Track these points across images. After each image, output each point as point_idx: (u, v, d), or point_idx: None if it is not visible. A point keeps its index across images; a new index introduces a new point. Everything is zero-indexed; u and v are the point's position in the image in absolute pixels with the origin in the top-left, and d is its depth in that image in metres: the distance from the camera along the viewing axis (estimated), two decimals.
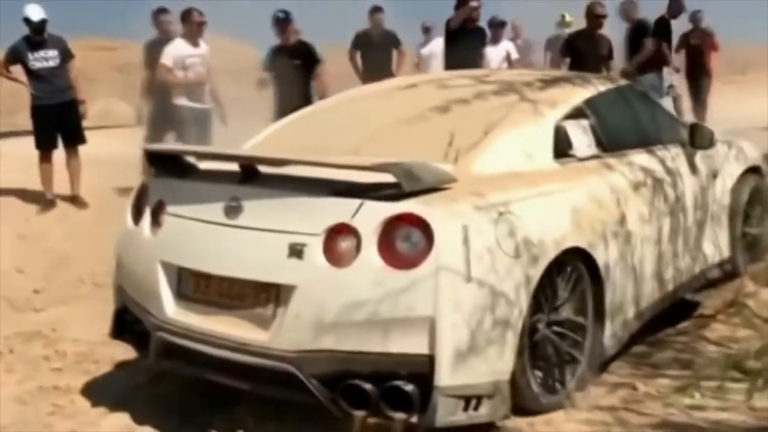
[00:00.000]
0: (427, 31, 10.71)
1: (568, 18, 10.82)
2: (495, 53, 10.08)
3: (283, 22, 8.47)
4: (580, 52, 8.82)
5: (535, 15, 11.73)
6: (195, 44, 8.01)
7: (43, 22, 7.77)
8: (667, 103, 8.94)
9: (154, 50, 8.30)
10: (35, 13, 7.75)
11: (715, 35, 11.15)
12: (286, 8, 8.56)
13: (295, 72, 8.28)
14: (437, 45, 9.70)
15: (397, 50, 9.80)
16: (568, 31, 10.62)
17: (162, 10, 8.60)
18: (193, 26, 7.98)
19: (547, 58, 10.85)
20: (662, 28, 9.98)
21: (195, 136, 7.90)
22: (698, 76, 10.94)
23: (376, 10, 9.77)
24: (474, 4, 8.39)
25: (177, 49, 7.96)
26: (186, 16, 7.99)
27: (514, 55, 10.21)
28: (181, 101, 7.97)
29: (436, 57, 9.80)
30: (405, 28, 10.21)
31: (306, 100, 7.57)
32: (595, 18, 8.95)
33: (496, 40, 10.16)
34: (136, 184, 4.10)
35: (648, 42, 9.50)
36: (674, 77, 10.35)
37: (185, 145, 6.83)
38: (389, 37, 9.79)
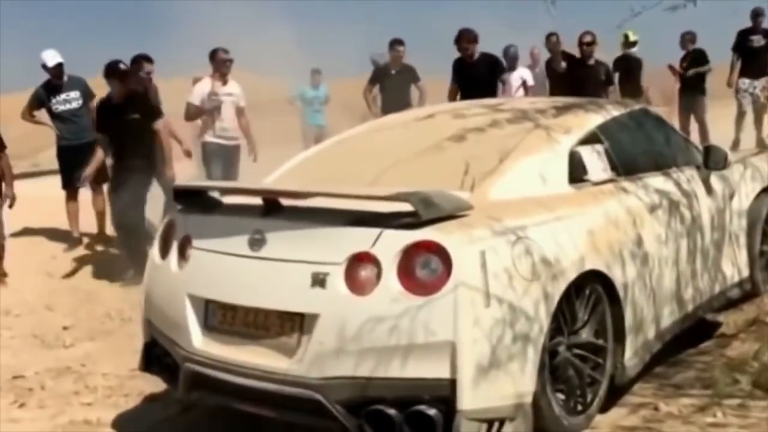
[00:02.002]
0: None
1: (632, 37, 10.64)
2: (513, 80, 10.06)
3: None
4: (578, 80, 9.09)
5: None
6: (223, 82, 8.16)
7: (59, 66, 7.98)
8: None
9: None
10: (51, 58, 7.96)
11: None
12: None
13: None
14: None
15: (416, 86, 9.58)
16: (634, 50, 10.69)
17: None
18: (219, 65, 8.15)
19: (616, 79, 10.66)
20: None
21: (221, 172, 8.05)
22: (692, 96, 10.98)
23: (395, 42, 9.49)
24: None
25: (204, 88, 8.13)
26: (213, 55, 8.17)
27: (530, 82, 10.24)
28: (208, 138, 8.13)
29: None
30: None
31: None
32: (581, 46, 9.43)
33: (511, 68, 10.21)
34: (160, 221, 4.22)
35: None
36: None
37: (210, 181, 6.96)
38: (408, 72, 9.55)
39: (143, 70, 7.71)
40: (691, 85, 11.00)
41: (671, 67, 11.54)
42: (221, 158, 8.13)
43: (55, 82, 7.97)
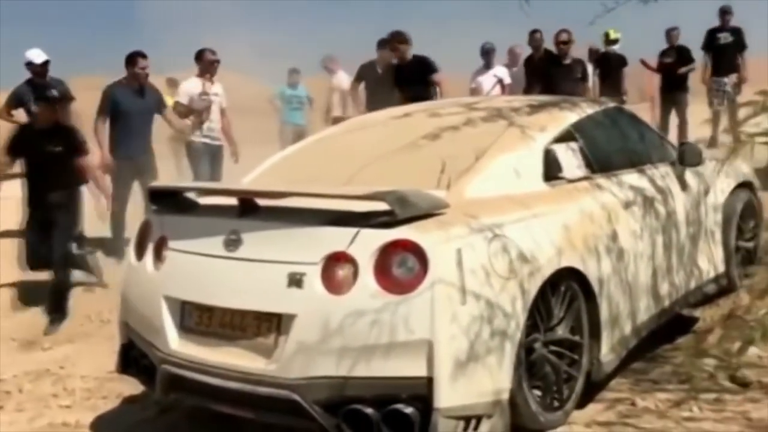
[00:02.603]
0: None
1: (613, 35, 10.68)
2: (486, 80, 10.15)
3: None
4: (553, 78, 9.17)
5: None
6: (211, 83, 8.15)
7: (46, 63, 7.93)
8: None
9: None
10: (37, 56, 7.91)
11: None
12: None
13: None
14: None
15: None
16: (615, 47, 10.75)
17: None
18: (206, 65, 8.13)
19: (596, 77, 10.62)
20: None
21: (208, 172, 8.06)
22: (675, 93, 11.07)
23: (383, 42, 9.11)
24: None
25: (192, 87, 8.11)
26: (199, 55, 8.16)
27: (507, 80, 10.21)
28: (194, 137, 8.11)
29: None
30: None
31: None
32: (558, 45, 9.49)
33: (487, 66, 10.23)
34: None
35: None
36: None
37: (185, 182, 6.93)
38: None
39: (138, 66, 7.66)
40: (676, 83, 11.08)
41: (644, 62, 11.61)
42: (208, 158, 8.14)
43: (37, 80, 7.90)
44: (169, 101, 8.57)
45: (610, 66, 10.64)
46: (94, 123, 7.65)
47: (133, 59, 7.68)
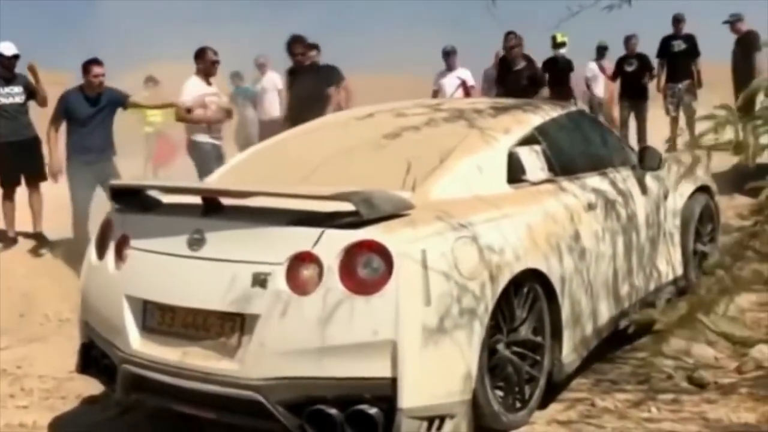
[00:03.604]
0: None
1: (560, 38, 10.81)
2: (448, 82, 10.17)
3: None
4: (505, 82, 9.37)
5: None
6: (209, 83, 8.06)
7: (16, 57, 7.79)
8: None
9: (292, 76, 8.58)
10: (8, 48, 7.75)
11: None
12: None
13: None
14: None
15: (337, 87, 8.90)
16: (563, 51, 10.85)
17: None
18: (207, 64, 8.04)
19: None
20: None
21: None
22: (636, 101, 11.26)
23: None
24: None
25: (195, 88, 8.01)
26: (200, 54, 8.04)
27: (470, 83, 10.26)
28: (202, 138, 8.01)
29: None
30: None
31: None
32: (506, 50, 9.58)
33: (449, 68, 10.25)
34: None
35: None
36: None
37: (147, 180, 6.87)
38: (326, 72, 8.94)
39: (92, 74, 7.53)
40: (637, 90, 11.27)
41: (602, 67, 11.76)
42: (214, 157, 7.93)
43: (5, 74, 7.76)
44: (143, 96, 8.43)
45: (558, 70, 10.77)
46: (47, 129, 7.58)
47: (88, 67, 7.56)
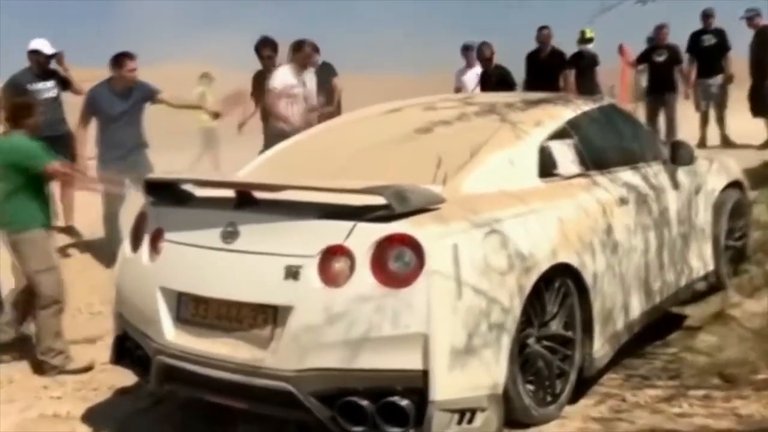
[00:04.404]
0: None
1: (588, 34, 10.66)
2: (469, 78, 10.11)
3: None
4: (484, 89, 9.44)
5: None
6: (300, 74, 8.02)
7: (55, 55, 7.86)
8: None
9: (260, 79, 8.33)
10: (48, 47, 7.82)
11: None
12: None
13: None
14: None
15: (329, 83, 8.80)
16: (590, 47, 10.75)
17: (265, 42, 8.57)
18: (305, 57, 8.00)
19: (571, 76, 10.50)
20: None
21: None
22: (664, 93, 10.93)
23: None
24: None
25: (287, 77, 7.92)
26: (299, 47, 8.01)
27: None
28: (288, 127, 7.96)
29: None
30: None
31: None
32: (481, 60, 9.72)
33: (469, 65, 10.18)
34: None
35: None
36: None
37: (181, 174, 6.90)
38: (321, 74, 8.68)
39: (126, 68, 7.46)
40: (666, 83, 10.92)
41: (621, 49, 11.48)
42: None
43: (35, 70, 7.83)
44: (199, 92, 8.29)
45: (584, 64, 10.67)
46: (77, 129, 7.46)
47: (121, 61, 7.35)
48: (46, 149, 5.19)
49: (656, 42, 11.20)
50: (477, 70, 10.11)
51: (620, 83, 11.97)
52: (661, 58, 11.01)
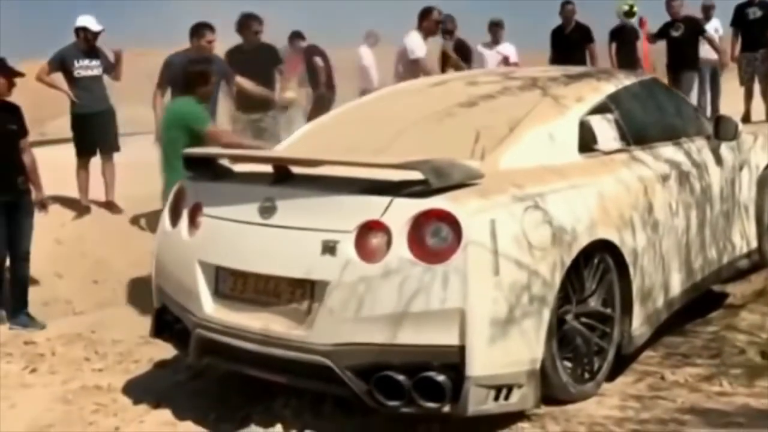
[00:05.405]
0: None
1: (634, 8, 10.40)
2: (490, 54, 9.87)
3: None
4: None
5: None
6: (426, 40, 8.01)
7: (99, 33, 7.91)
8: None
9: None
10: (95, 24, 7.88)
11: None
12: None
13: None
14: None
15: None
16: (632, 21, 10.50)
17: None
18: (431, 24, 8.00)
19: (612, 50, 10.37)
20: None
21: None
22: (681, 72, 10.20)
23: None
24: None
25: (418, 40, 7.93)
26: (426, 14, 8.01)
27: (513, 59, 9.88)
28: None
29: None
30: None
31: None
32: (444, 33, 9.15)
33: (495, 41, 9.99)
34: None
35: None
36: None
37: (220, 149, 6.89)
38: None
39: (205, 39, 7.29)
40: (684, 59, 10.16)
41: (641, 22, 11.01)
42: None
43: (82, 47, 7.89)
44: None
45: (625, 38, 10.42)
46: (153, 96, 7.24)
47: (200, 31, 7.08)
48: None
49: (670, 17, 10.41)
50: (500, 48, 9.95)
51: (642, 58, 11.58)
52: (677, 33, 10.25)
